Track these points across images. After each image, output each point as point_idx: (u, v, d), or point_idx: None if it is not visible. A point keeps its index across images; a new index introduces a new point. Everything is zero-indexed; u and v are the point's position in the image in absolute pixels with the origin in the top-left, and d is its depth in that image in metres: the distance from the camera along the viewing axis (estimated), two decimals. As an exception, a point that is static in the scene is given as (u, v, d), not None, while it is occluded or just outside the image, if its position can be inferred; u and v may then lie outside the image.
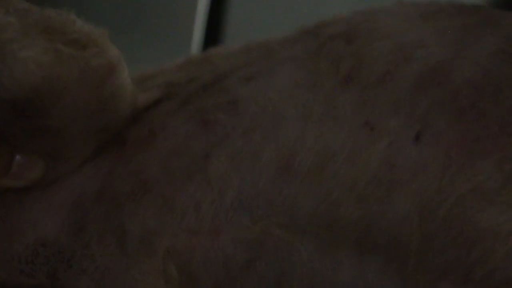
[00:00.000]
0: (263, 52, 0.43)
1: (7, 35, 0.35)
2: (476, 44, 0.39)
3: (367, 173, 0.37)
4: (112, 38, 0.40)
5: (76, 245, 0.39)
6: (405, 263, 0.37)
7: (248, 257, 0.38)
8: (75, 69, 0.36)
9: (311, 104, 0.39)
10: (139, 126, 0.41)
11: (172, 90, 0.43)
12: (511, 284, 0.35)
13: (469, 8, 0.42)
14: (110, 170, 0.40)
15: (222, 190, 0.38)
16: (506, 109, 0.37)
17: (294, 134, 0.39)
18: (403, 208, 0.37)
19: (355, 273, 0.38)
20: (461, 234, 0.36)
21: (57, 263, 0.39)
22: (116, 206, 0.39)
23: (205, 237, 0.38)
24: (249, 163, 0.39)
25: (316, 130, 0.39)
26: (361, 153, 0.38)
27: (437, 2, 0.43)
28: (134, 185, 0.39)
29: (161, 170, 0.39)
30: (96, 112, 0.38)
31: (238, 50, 0.45)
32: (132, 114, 0.41)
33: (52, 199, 0.40)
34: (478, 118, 0.37)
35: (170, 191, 0.39)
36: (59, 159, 0.39)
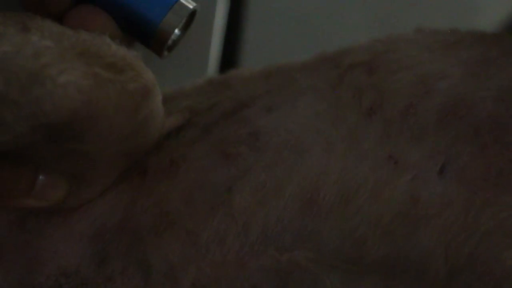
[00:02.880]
0: (283, 80, 0.43)
1: (45, 59, 0.34)
2: (499, 76, 0.39)
3: (392, 208, 0.37)
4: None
5: (99, 277, 0.39)
6: None
7: (275, 285, 0.38)
8: (113, 93, 0.36)
9: (334, 137, 0.39)
10: (161, 155, 0.41)
11: (193, 117, 0.43)
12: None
13: (490, 37, 0.42)
14: (131, 201, 0.40)
15: (246, 224, 0.38)
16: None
17: (317, 169, 0.39)
18: (429, 244, 0.37)
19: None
20: (487, 271, 0.36)
21: (81, 296, 0.39)
22: (138, 239, 0.39)
23: (231, 268, 0.38)
24: (273, 197, 0.39)
25: (339, 164, 0.39)
26: (385, 188, 0.38)
27: (457, 31, 0.43)
28: (156, 218, 0.39)
29: (183, 202, 0.39)
30: (129, 137, 0.38)
31: (258, 76, 0.45)
32: (158, 140, 0.41)
33: (72, 228, 0.40)
34: (502, 152, 0.37)
35: (193, 224, 0.39)
36: (82, 182, 0.39)
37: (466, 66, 0.40)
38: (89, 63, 0.36)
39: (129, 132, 0.38)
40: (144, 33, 0.40)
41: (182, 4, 0.40)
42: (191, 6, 0.40)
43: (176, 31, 0.41)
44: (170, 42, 0.41)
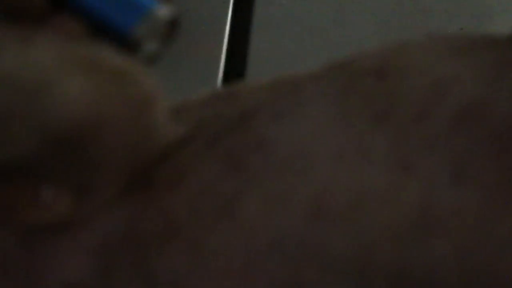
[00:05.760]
0: (290, 89, 0.42)
1: (47, 72, 0.34)
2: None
3: (402, 214, 0.36)
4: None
5: None
6: None
7: None
8: (116, 102, 0.36)
9: (343, 143, 0.39)
10: (167, 165, 0.41)
11: (199, 127, 0.43)
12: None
13: (503, 41, 0.41)
14: (137, 211, 0.40)
15: (252, 232, 0.38)
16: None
17: (326, 175, 0.38)
18: (440, 250, 0.36)
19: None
20: (503, 277, 0.35)
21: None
22: (144, 249, 0.39)
23: (236, 280, 0.38)
24: (280, 205, 0.38)
25: (348, 170, 0.38)
26: (396, 194, 0.37)
27: (468, 36, 0.42)
28: (162, 228, 0.39)
29: (190, 212, 0.39)
30: (133, 144, 0.38)
31: (265, 86, 0.44)
32: (163, 149, 0.41)
33: (77, 241, 0.39)
34: None
35: (199, 234, 0.38)
36: (87, 194, 0.39)
37: (481, 70, 0.39)
38: (89, 73, 0.36)
39: (134, 139, 0.38)
40: (118, 43, 0.39)
41: (155, 14, 0.39)
42: (165, 16, 0.39)
43: (150, 41, 0.40)
44: (144, 53, 0.40)
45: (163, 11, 0.39)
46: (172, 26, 0.40)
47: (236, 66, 0.67)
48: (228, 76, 0.67)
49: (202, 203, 0.39)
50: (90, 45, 0.38)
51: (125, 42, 0.39)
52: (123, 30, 0.39)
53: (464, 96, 0.38)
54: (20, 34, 0.36)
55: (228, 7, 0.66)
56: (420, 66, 0.40)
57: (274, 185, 0.38)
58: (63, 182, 0.38)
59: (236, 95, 0.45)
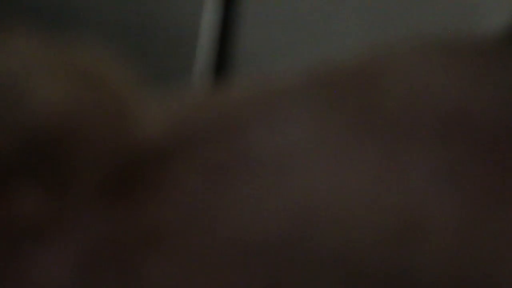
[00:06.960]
0: (272, 98, 0.43)
1: (16, 75, 0.35)
2: (502, 85, 0.39)
3: (390, 221, 0.36)
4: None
5: None
6: None
7: None
8: (89, 104, 0.36)
9: (329, 150, 0.39)
10: (148, 173, 0.41)
11: (182, 138, 0.43)
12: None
13: (489, 44, 0.41)
14: (118, 222, 0.39)
15: (235, 237, 0.38)
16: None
17: (311, 181, 0.38)
18: (429, 257, 0.36)
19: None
20: (491, 279, 0.35)
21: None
22: (128, 261, 0.38)
23: (221, 285, 0.37)
24: (264, 210, 0.38)
25: (334, 176, 0.38)
26: (382, 201, 0.37)
27: (454, 39, 0.42)
28: (145, 238, 0.39)
29: (170, 219, 0.39)
30: (107, 144, 0.38)
31: (247, 95, 0.44)
32: (142, 153, 0.41)
33: (55, 248, 0.39)
34: (504, 159, 0.36)
35: (184, 242, 0.38)
36: (62, 195, 0.38)
37: (466, 77, 0.39)
38: (62, 75, 0.36)
39: (108, 139, 0.38)
40: None
41: None
42: None
43: None
44: None
45: None
46: None
47: (223, 61, 0.67)
48: (215, 71, 0.67)
49: (184, 212, 0.39)
50: (60, 46, 0.38)
51: None
52: None
53: (448, 102, 0.38)
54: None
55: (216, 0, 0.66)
56: (403, 74, 0.40)
57: (257, 192, 0.38)
58: (36, 183, 0.37)
59: (218, 105, 0.45)
